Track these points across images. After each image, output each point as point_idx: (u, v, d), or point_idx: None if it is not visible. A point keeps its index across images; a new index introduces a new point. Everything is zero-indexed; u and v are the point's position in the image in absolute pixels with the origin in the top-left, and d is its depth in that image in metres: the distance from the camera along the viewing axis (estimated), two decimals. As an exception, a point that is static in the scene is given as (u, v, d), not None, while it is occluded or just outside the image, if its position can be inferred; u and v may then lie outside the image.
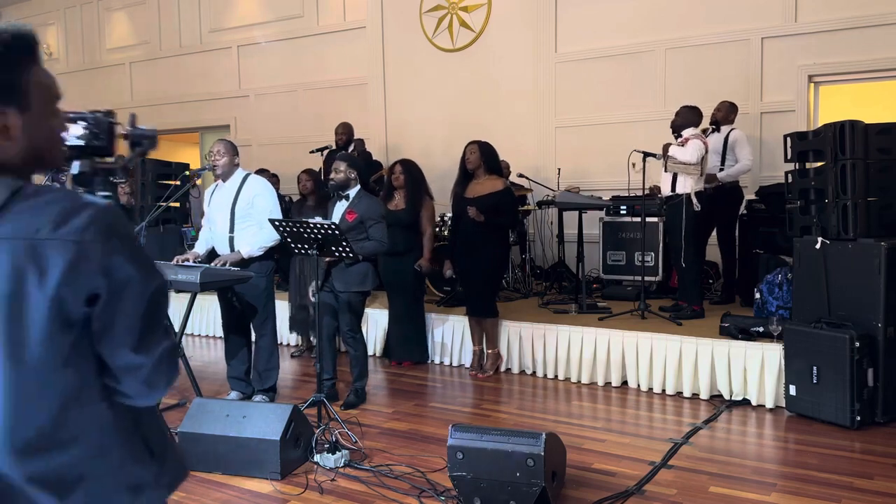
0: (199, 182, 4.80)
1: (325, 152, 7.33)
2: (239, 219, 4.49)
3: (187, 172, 4.45)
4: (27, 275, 1.12)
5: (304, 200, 6.08)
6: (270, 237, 4.40)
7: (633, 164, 5.53)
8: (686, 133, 5.42)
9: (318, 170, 6.64)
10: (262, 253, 4.51)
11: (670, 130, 5.59)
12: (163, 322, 1.22)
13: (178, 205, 7.38)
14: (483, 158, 5.22)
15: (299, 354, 6.28)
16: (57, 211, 1.14)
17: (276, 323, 4.79)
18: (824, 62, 6.43)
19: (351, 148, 7.49)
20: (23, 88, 1.19)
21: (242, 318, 4.67)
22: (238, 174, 4.59)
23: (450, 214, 5.72)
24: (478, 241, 5.18)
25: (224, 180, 4.60)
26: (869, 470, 3.56)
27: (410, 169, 5.55)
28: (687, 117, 5.50)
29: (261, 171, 6.32)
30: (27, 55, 1.20)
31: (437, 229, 5.80)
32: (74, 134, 1.42)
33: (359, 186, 4.67)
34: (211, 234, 4.67)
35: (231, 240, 4.51)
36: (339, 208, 4.63)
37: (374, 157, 7.86)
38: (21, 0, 12.10)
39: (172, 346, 1.25)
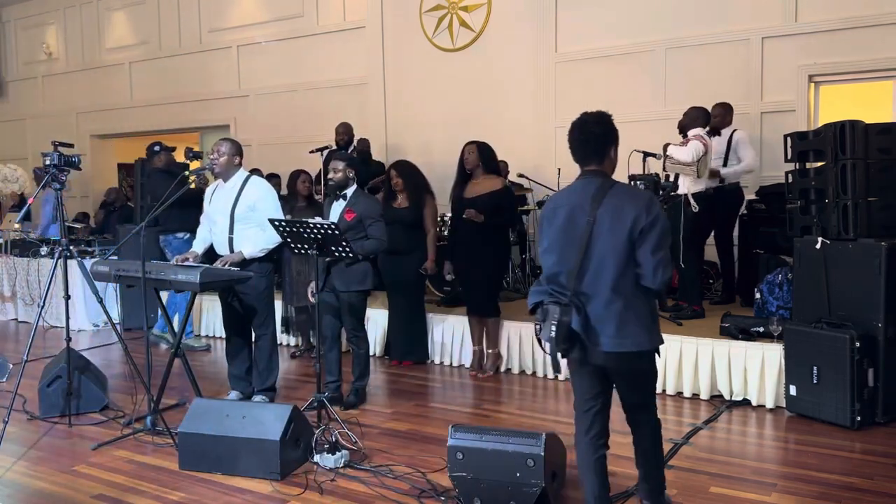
0: (194, 179, 4.76)
1: (325, 152, 7.33)
2: (238, 221, 4.48)
3: (187, 172, 4.41)
4: (616, 219, 2.58)
5: (295, 200, 6.05)
6: (272, 239, 4.37)
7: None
8: (691, 134, 5.41)
9: (317, 171, 6.63)
10: (263, 254, 4.51)
11: (671, 130, 5.58)
12: (666, 248, 2.62)
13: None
14: (481, 158, 5.22)
15: (299, 354, 6.27)
16: (630, 193, 2.69)
17: (276, 323, 4.78)
18: (824, 62, 6.42)
19: (351, 148, 7.49)
20: (617, 136, 2.75)
21: (244, 319, 4.66)
22: (239, 175, 4.57)
23: (450, 215, 5.71)
24: (478, 242, 5.17)
25: (224, 180, 4.58)
26: (869, 470, 3.56)
27: (406, 170, 5.55)
28: (694, 117, 5.47)
29: (253, 172, 6.28)
30: None
31: (438, 229, 5.79)
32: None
33: (356, 185, 4.66)
34: (209, 233, 4.66)
35: (230, 241, 4.49)
36: (337, 208, 4.61)
37: (373, 158, 7.85)
38: (21, 0, 12.11)
39: (668, 259, 2.61)
